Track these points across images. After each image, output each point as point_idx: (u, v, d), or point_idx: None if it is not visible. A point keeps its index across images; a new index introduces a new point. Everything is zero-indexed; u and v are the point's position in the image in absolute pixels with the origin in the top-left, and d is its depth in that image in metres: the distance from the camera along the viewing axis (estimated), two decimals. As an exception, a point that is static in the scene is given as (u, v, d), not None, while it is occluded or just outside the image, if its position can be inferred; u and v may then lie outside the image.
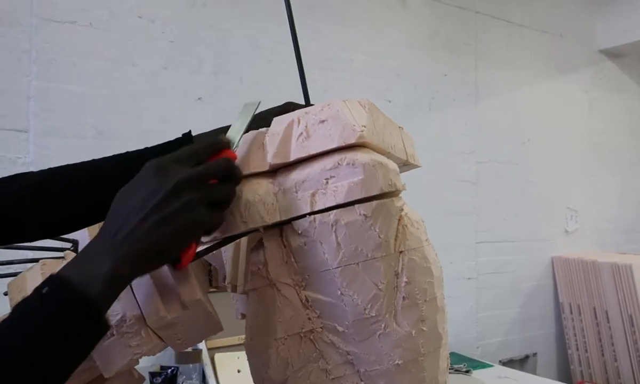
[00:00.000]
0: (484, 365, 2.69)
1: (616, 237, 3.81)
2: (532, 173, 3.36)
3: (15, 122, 1.94)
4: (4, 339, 0.50)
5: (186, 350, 2.05)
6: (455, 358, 2.78)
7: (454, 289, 3.04)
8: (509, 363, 3.22)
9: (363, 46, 2.76)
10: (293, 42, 0.78)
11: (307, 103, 0.79)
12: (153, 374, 2.01)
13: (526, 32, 3.36)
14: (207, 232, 0.63)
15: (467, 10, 3.12)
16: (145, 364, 2.07)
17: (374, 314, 0.64)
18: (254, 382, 0.73)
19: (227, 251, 0.79)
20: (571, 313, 3.36)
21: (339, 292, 0.64)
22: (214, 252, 0.81)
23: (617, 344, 3.08)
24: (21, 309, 0.52)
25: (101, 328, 0.54)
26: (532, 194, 3.36)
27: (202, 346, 2.09)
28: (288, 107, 0.83)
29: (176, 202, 0.57)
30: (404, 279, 0.66)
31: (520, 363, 3.35)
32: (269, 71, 2.43)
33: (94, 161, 0.85)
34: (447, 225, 3.00)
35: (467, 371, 2.52)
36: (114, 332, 0.62)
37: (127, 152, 0.85)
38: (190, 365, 2.05)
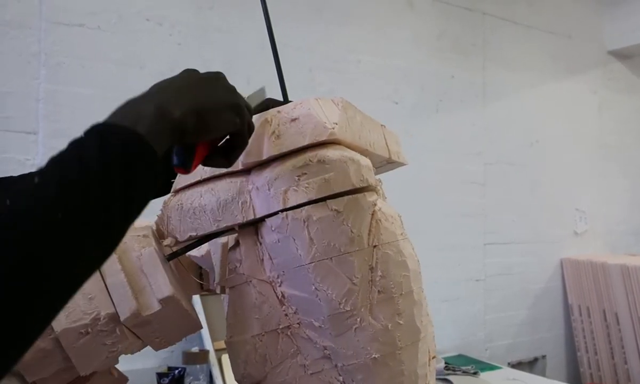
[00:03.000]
0: (492, 367, 2.68)
1: (626, 239, 3.77)
2: (540, 174, 3.34)
3: (25, 124, 1.98)
4: (41, 181, 0.43)
5: (193, 351, 2.07)
6: (463, 359, 2.77)
7: (462, 290, 3.03)
8: (517, 366, 3.20)
9: (370, 48, 2.76)
10: (269, 38, 0.80)
11: (285, 99, 0.81)
12: (160, 375, 2.02)
13: (534, 33, 3.34)
14: (240, 137, 0.60)
15: (475, 11, 3.11)
16: (153, 365, 2.09)
17: (349, 309, 0.65)
18: (235, 379, 0.74)
19: (216, 253, 0.80)
20: (580, 315, 3.32)
21: (314, 287, 0.65)
22: (204, 255, 0.83)
23: (627, 346, 3.04)
24: (56, 155, 0.45)
25: (154, 165, 0.47)
26: (540, 196, 3.33)
27: (209, 347, 2.11)
28: (268, 104, 0.84)
29: (221, 82, 0.59)
30: (379, 273, 0.66)
31: (530, 365, 3.32)
32: (275, 73, 2.43)
33: None
34: (454, 226, 2.99)
35: (474, 373, 2.51)
36: (89, 330, 0.63)
37: None
38: (198, 366, 2.06)
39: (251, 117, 0.63)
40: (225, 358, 2.10)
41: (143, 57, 2.19)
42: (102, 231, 0.44)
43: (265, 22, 0.79)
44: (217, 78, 0.60)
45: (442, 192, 2.95)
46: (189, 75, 0.58)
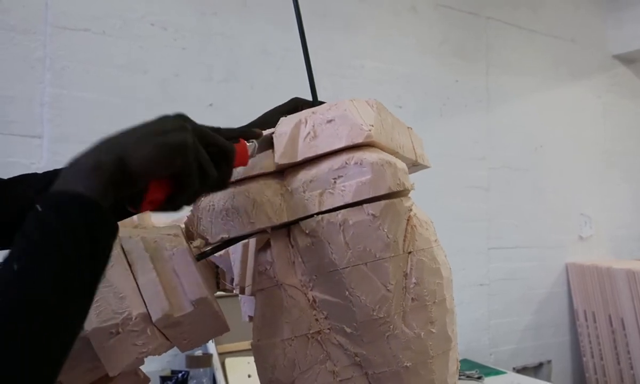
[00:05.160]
0: (497, 372, 2.67)
1: (631, 244, 3.76)
2: (544, 179, 3.33)
3: (29, 129, 1.96)
4: (19, 271, 0.46)
5: (197, 354, 2.05)
6: (468, 364, 2.75)
7: (466, 295, 3.02)
8: (522, 371, 3.19)
9: (373, 53, 2.76)
10: (300, 38, 0.78)
11: (314, 98, 0.79)
12: (164, 379, 2.01)
13: (537, 38, 3.34)
14: (187, 178, 0.58)
15: (478, 16, 3.11)
16: (156, 368, 2.08)
17: (382, 316, 0.64)
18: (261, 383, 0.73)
19: (235, 252, 0.78)
20: (586, 320, 3.31)
21: (347, 293, 0.64)
22: (222, 254, 0.81)
23: (633, 352, 3.04)
24: (25, 237, 0.48)
25: (106, 221, 0.51)
26: (544, 200, 3.33)
27: (212, 350, 2.09)
28: (297, 104, 0.82)
29: (173, 123, 0.57)
30: (413, 280, 0.65)
31: (535, 370, 3.31)
32: (279, 78, 2.44)
33: None
34: (458, 231, 2.98)
35: (479, 378, 2.50)
36: (120, 330, 0.62)
37: None
38: (201, 370, 2.04)
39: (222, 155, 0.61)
40: (229, 362, 2.09)
41: (147, 62, 2.18)
42: (81, 297, 0.49)
43: (298, 25, 0.77)
44: (162, 119, 0.58)
45: (445, 197, 2.94)
46: (146, 122, 0.58)
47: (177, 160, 0.56)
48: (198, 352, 2.08)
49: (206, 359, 2.05)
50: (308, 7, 2.54)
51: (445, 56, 2.99)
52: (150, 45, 2.19)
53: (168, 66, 2.22)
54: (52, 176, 0.82)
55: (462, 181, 3.02)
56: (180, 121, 0.58)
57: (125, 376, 0.70)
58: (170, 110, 2.02)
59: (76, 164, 0.53)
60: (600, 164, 3.62)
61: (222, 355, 2.10)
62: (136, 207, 0.57)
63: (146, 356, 0.64)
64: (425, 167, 0.86)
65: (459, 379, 2.44)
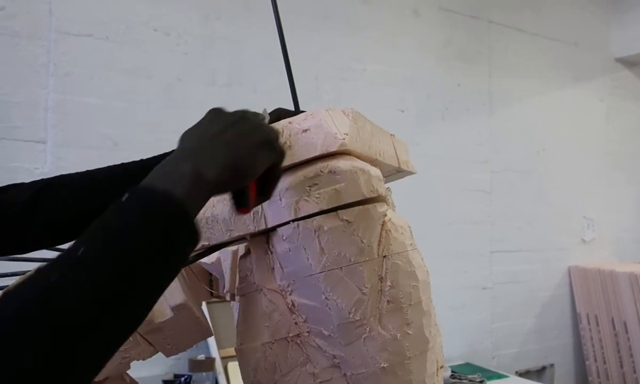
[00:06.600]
0: (499, 376, 2.67)
1: (634, 247, 3.75)
2: (547, 182, 3.33)
3: (33, 134, 1.99)
4: (86, 254, 0.45)
5: (199, 359, 2.07)
6: (470, 368, 2.76)
7: (469, 298, 3.02)
8: (525, 374, 3.18)
9: (376, 56, 2.77)
10: (282, 47, 0.80)
11: (297, 108, 0.81)
12: (166, 383, 2.03)
13: (540, 41, 3.34)
14: (276, 168, 0.62)
15: (480, 19, 3.11)
16: (159, 373, 2.09)
17: (358, 318, 0.66)
18: (244, 386, 0.75)
19: (226, 260, 0.80)
20: (589, 323, 3.31)
21: (324, 296, 0.66)
22: (214, 262, 0.83)
23: (636, 355, 3.03)
24: (101, 223, 0.47)
25: (192, 232, 0.50)
26: (547, 203, 3.33)
27: (215, 354, 2.11)
28: (280, 113, 0.84)
29: (248, 122, 0.59)
30: (388, 283, 0.67)
31: (537, 374, 3.30)
32: (282, 82, 2.44)
33: (89, 171, 0.86)
34: (461, 234, 2.99)
35: (481, 382, 2.50)
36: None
37: (124, 163, 0.86)
38: (204, 374, 2.06)
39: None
40: (232, 366, 2.10)
41: (150, 67, 2.20)
42: (138, 305, 0.48)
43: (278, 34, 0.79)
44: (244, 119, 0.59)
45: (448, 200, 2.95)
46: (218, 122, 0.58)
47: (272, 155, 0.60)
48: (201, 356, 2.10)
49: (209, 363, 2.06)
50: (311, 10, 2.56)
51: (447, 60, 3.00)
52: (153, 50, 2.21)
53: (171, 71, 2.24)
54: (42, 184, 0.84)
55: (465, 184, 3.02)
56: (247, 118, 0.60)
57: (112, 380, 0.72)
58: (173, 115, 2.03)
59: (174, 168, 0.52)
60: (603, 167, 3.61)
61: (225, 359, 2.11)
62: (246, 206, 0.60)
63: (129, 361, 0.66)
64: (410, 173, 0.87)
65: (461, 383, 2.46)
